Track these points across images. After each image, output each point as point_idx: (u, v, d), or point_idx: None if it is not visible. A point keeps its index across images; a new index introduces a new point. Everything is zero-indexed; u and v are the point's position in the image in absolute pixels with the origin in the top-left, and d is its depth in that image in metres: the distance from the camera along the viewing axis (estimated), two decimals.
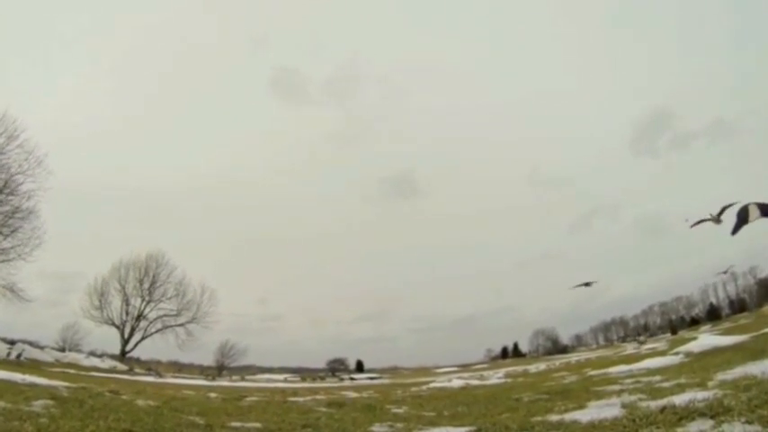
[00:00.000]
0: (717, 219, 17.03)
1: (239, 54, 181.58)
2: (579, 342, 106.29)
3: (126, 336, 59.12)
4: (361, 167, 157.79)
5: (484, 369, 67.21)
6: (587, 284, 29.93)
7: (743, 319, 58.64)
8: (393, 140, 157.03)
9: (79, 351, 54.66)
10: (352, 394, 18.59)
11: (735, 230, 7.49)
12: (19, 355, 34.78)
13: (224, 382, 40.77)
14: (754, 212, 7.44)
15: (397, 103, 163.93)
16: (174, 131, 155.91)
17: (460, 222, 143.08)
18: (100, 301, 58.83)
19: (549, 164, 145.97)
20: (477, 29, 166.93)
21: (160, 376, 42.09)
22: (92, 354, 53.79)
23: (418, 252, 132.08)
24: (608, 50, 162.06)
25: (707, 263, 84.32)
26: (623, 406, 6.83)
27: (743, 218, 7.51)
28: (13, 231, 36.05)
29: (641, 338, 69.14)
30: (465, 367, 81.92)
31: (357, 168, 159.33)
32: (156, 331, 60.99)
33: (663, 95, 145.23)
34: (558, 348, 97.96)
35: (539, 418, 7.09)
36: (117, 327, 59.07)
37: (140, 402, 10.54)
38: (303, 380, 62.49)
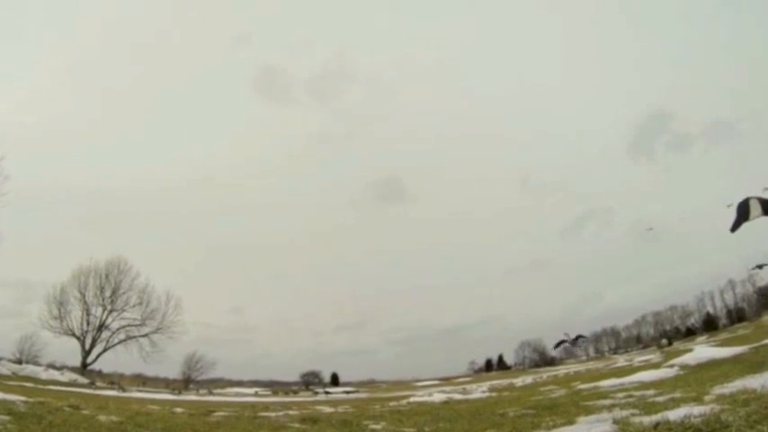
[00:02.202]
0: (572, 341, 17.58)
1: (219, 51, 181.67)
2: (568, 354, 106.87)
3: (87, 347, 58.90)
4: (346, 170, 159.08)
5: (467, 382, 67.61)
6: (574, 342, 28.01)
7: (741, 329, 59.36)
8: (380, 142, 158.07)
9: (37, 363, 54.07)
10: (327, 409, 18.56)
11: (734, 227, 7.52)
12: None
13: (191, 396, 40.91)
14: (755, 209, 7.49)
15: (384, 103, 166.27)
16: (142, 131, 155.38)
17: (448, 227, 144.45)
18: (59, 310, 58.86)
19: (542, 167, 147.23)
20: (467, 26, 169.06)
21: (123, 390, 42.27)
22: (51, 366, 53.35)
23: (403, 259, 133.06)
24: (605, 50, 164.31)
25: (703, 270, 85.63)
26: (615, 422, 6.87)
27: (743, 214, 7.55)
28: None
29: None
30: (447, 380, 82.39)
31: (340, 171, 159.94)
32: (119, 342, 61.10)
33: (661, 96, 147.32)
34: (545, 360, 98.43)
35: None
36: (77, 338, 58.96)
37: (102, 418, 10.42)
38: (275, 394, 62.52)
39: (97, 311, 60.20)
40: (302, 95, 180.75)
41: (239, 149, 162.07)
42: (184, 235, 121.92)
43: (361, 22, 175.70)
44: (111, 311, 60.68)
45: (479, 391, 32.02)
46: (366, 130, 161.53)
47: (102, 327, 59.93)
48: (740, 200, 9.18)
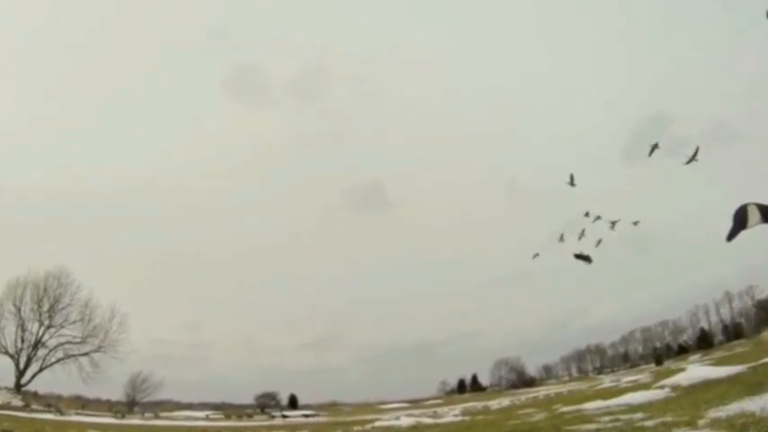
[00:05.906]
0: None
1: (187, 47, 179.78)
2: (548, 374, 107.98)
3: (22, 366, 58.44)
4: (320, 175, 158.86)
5: (437, 405, 68.13)
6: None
7: (739, 346, 60.62)
8: (357, 146, 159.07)
9: None
10: None
11: (731, 236, 7.46)
12: None
13: (135, 420, 41.50)
14: (753, 216, 7.47)
15: (364, 104, 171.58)
16: (93, 129, 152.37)
17: (427, 234, 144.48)
18: None
19: (529, 170, 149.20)
20: (455, 24, 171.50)
21: (61, 413, 42.22)
22: None
23: (376, 270, 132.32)
24: (603, 50, 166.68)
25: (697, 282, 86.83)
26: None
27: (740, 222, 7.51)
28: None
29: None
30: (416, 403, 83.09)
31: (314, 176, 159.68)
32: (57, 361, 60.69)
33: (660, 98, 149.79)
34: (523, 381, 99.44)
35: None
36: (11, 356, 58.53)
37: None
38: (228, 417, 63.16)
39: (33, 327, 59.94)
40: (278, 95, 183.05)
41: (200, 151, 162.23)
42: (134, 243, 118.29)
43: (341, 20, 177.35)
44: (48, 327, 60.31)
45: (451, 414, 32.18)
46: (342, 134, 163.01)
47: (38, 344, 59.58)
48: (737, 206, 9.22)
